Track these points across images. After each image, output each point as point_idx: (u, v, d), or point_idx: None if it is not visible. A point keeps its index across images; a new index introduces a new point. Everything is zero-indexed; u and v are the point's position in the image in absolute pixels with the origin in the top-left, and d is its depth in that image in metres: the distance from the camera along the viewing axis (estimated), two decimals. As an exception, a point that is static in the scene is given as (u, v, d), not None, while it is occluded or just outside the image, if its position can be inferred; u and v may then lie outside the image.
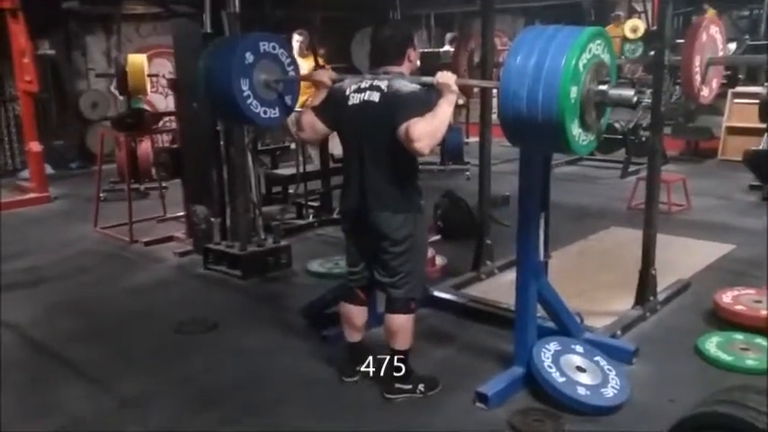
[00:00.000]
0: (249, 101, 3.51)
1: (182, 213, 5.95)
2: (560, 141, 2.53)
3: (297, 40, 7.41)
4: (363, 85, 2.98)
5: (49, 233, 6.30)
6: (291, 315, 4.06)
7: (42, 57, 8.81)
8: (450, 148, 8.41)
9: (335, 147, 8.47)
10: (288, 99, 3.67)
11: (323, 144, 6.42)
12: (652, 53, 4.53)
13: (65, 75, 9.59)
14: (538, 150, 3.02)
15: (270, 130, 7.71)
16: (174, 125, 7.12)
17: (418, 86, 2.89)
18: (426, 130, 2.76)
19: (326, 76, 3.20)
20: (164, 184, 6.68)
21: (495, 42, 4.99)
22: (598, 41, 2.59)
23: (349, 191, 3.10)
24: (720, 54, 3.93)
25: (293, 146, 7.26)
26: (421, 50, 9.86)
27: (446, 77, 2.84)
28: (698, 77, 3.73)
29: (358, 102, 2.97)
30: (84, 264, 5.37)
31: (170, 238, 5.76)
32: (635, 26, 11.04)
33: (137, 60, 6.86)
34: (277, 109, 3.65)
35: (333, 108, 3.08)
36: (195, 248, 5.34)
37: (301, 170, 6.24)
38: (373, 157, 2.96)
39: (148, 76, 7.22)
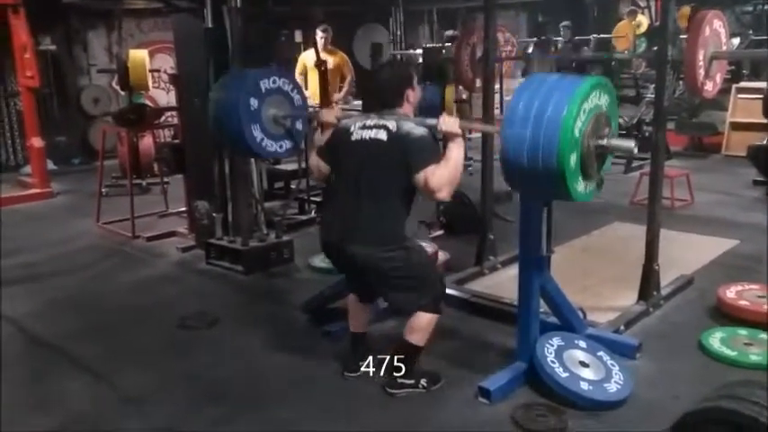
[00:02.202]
0: (257, 137, 3.59)
1: (184, 209, 5.95)
2: (561, 191, 2.57)
3: (320, 36, 7.39)
4: (369, 122, 3.02)
5: (51, 229, 6.30)
6: (293, 310, 4.05)
7: (44, 52, 8.82)
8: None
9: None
10: (296, 132, 3.76)
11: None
12: (655, 48, 4.51)
13: (66, 70, 9.57)
14: (538, 198, 3.03)
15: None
16: (175, 120, 7.09)
17: (425, 129, 2.92)
18: (445, 179, 2.85)
19: (332, 115, 3.26)
20: (165, 180, 6.68)
21: (497, 38, 4.97)
22: (600, 91, 2.63)
23: (334, 222, 3.10)
24: (724, 49, 3.90)
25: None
26: (423, 46, 9.88)
27: (449, 124, 2.90)
28: (701, 72, 3.71)
29: (363, 138, 3.00)
30: (86, 259, 5.37)
31: (172, 234, 5.76)
32: (638, 22, 11.02)
33: (138, 56, 6.86)
34: (284, 143, 3.75)
35: (333, 146, 3.14)
36: (197, 244, 5.33)
37: (303, 165, 6.22)
38: (371, 193, 2.97)
39: (150, 71, 7.22)
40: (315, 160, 3.24)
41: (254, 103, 3.54)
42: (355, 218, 2.97)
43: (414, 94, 3.12)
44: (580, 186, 2.61)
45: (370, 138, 2.98)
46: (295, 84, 3.84)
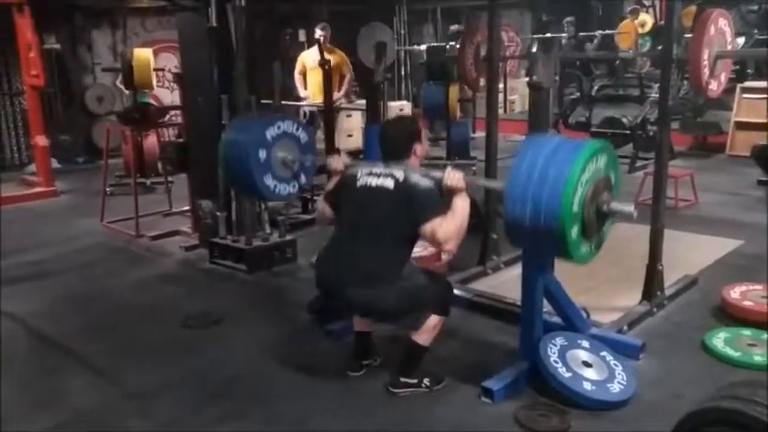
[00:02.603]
0: (269, 185, 3.67)
1: (187, 208, 5.96)
2: (560, 247, 2.63)
3: (319, 34, 7.39)
4: (376, 170, 3.08)
5: (55, 227, 6.32)
6: (296, 309, 4.06)
7: (48, 51, 8.82)
8: (456, 143, 8.38)
9: (342, 142, 8.50)
10: (303, 177, 3.83)
11: (329, 138, 6.42)
12: (660, 47, 4.50)
13: (71, 69, 9.59)
14: (539, 254, 3.10)
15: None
16: (179, 119, 7.11)
17: (431, 181, 2.98)
18: (452, 232, 2.90)
19: (340, 162, 3.31)
20: (170, 179, 6.69)
21: (501, 36, 4.96)
22: (602, 156, 2.68)
23: (333, 262, 3.12)
24: (729, 48, 3.90)
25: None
26: (427, 45, 9.88)
27: (454, 179, 2.95)
28: (706, 71, 3.70)
29: (369, 185, 3.05)
30: (90, 258, 5.38)
31: (176, 233, 5.77)
32: (643, 21, 10.99)
33: (142, 55, 6.87)
34: (291, 185, 3.81)
35: (338, 192, 3.21)
36: (201, 243, 5.34)
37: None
38: (373, 238, 3.00)
39: (154, 70, 7.22)
40: (321, 205, 3.32)
41: (262, 153, 3.63)
42: (355, 261, 3.00)
43: (421, 148, 3.19)
44: (582, 250, 2.70)
45: (376, 185, 3.03)
46: (299, 124, 3.89)
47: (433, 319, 3.08)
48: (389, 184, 3.01)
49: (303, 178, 3.83)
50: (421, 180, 2.99)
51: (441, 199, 2.96)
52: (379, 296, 2.97)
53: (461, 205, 2.94)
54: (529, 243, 2.88)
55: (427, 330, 3.09)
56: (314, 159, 3.89)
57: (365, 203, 3.05)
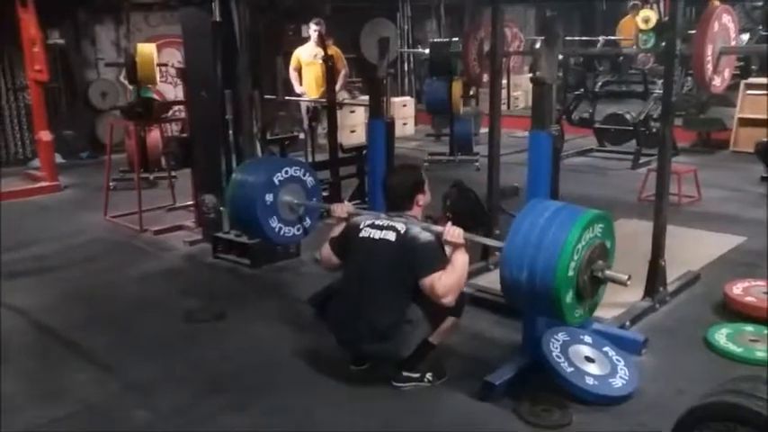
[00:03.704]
0: (275, 227, 3.75)
1: (191, 202, 5.98)
2: (555, 310, 2.67)
3: (314, 29, 7.39)
4: (378, 222, 3.14)
5: (59, 222, 6.34)
6: (299, 304, 4.07)
7: (52, 46, 8.83)
8: (459, 139, 8.38)
9: (345, 137, 8.50)
10: (306, 224, 3.91)
11: (332, 134, 6.42)
12: (664, 43, 4.49)
13: (74, 64, 9.59)
14: (535, 315, 3.15)
15: (278, 119, 7.73)
16: (183, 114, 7.11)
17: (432, 235, 3.03)
18: (451, 286, 2.94)
19: (344, 211, 3.40)
20: (173, 174, 6.70)
21: (504, 32, 4.95)
22: (600, 224, 2.74)
23: (345, 320, 3.18)
24: (733, 44, 3.88)
25: (302, 135, 7.26)
26: (431, 41, 9.86)
27: (454, 235, 2.99)
28: (710, 67, 3.69)
29: (372, 237, 3.11)
30: (93, 252, 5.40)
31: (179, 227, 5.79)
32: (646, 17, 10.94)
33: (146, 50, 6.86)
34: (294, 229, 3.87)
35: (344, 242, 3.27)
36: (204, 237, 5.36)
37: (310, 160, 6.24)
38: (376, 290, 3.06)
39: (158, 65, 7.20)
40: (327, 251, 3.37)
41: (269, 197, 3.70)
42: (364, 319, 3.06)
43: (423, 198, 3.25)
44: (577, 313, 2.73)
45: (378, 237, 3.09)
46: (305, 168, 3.95)
47: (449, 321, 3.13)
48: (391, 237, 3.06)
49: (308, 221, 3.90)
50: (421, 233, 3.04)
51: (441, 252, 3.02)
52: (392, 348, 3.05)
53: (461, 260, 2.99)
54: (525, 305, 2.97)
55: (441, 332, 3.15)
56: (319, 204, 3.97)
57: (368, 256, 3.11)
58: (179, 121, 7.75)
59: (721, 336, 3.48)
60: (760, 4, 10.45)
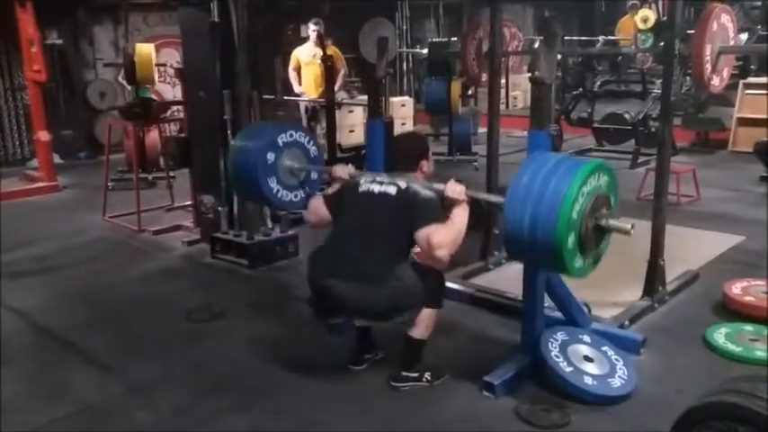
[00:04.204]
0: (270, 182, 3.70)
1: (189, 203, 5.97)
2: (557, 262, 2.64)
3: (313, 29, 7.38)
4: (380, 179, 3.13)
5: (57, 222, 6.32)
6: (298, 304, 4.05)
7: (50, 46, 8.83)
8: (457, 139, 8.38)
9: (343, 137, 8.50)
10: (307, 189, 3.86)
11: (331, 133, 6.42)
12: (662, 43, 4.48)
13: (73, 64, 9.59)
14: (536, 267, 3.11)
15: (277, 119, 7.71)
16: (181, 114, 7.11)
17: (433, 193, 3.00)
18: (447, 239, 2.88)
19: (346, 171, 3.36)
20: (171, 174, 6.70)
21: (503, 32, 4.95)
22: (602, 174, 2.71)
23: (325, 260, 3.10)
24: (732, 44, 3.89)
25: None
26: (430, 41, 9.86)
27: (456, 191, 2.97)
28: (708, 67, 3.69)
29: (369, 190, 3.10)
30: (92, 252, 5.39)
31: (178, 228, 5.78)
32: (645, 16, 10.94)
33: (144, 50, 6.86)
34: (295, 194, 3.83)
35: (340, 197, 3.24)
36: (203, 237, 5.35)
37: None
38: (370, 241, 3.02)
39: (156, 65, 7.21)
40: (317, 202, 3.33)
41: (270, 156, 3.67)
42: (349, 261, 3.00)
43: (427, 165, 3.24)
44: (578, 263, 2.69)
45: (378, 191, 3.08)
46: (308, 134, 3.93)
47: (426, 312, 3.08)
48: (391, 190, 3.05)
49: (305, 191, 3.87)
50: (422, 190, 3.03)
51: (440, 208, 2.99)
52: (369, 296, 2.94)
53: (460, 217, 2.96)
54: (526, 256, 2.91)
55: (421, 323, 3.08)
56: (321, 171, 3.93)
57: (366, 208, 3.09)
58: (177, 122, 7.75)
59: (720, 335, 3.48)
60: (758, 3, 10.46)
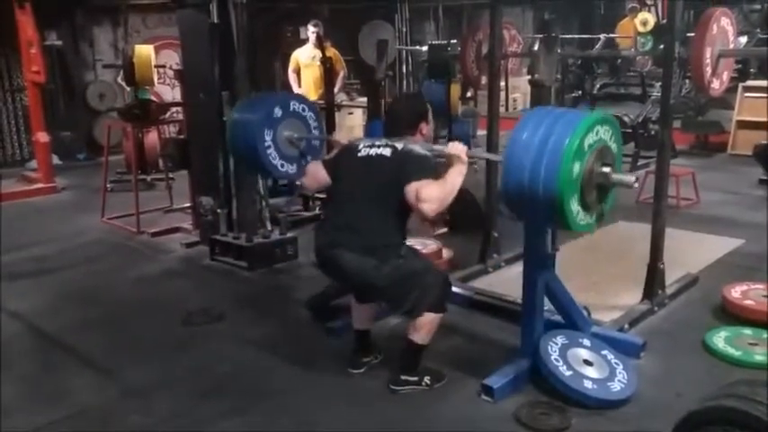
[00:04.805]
0: (269, 152, 3.69)
1: (188, 204, 5.95)
2: (559, 217, 2.58)
3: (312, 31, 7.38)
4: (378, 142, 3.10)
5: (55, 224, 6.32)
6: (297, 307, 4.06)
7: (49, 47, 8.82)
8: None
9: (343, 139, 8.48)
10: (308, 158, 3.85)
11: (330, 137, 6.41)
12: (662, 46, 4.49)
13: (72, 66, 9.59)
14: (538, 225, 3.04)
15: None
16: (180, 116, 7.10)
17: (429, 153, 2.98)
18: (436, 194, 2.84)
19: (346, 139, 3.33)
20: (170, 175, 6.69)
21: (503, 34, 4.95)
22: (605, 127, 2.67)
23: (328, 229, 3.13)
24: (731, 47, 3.89)
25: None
26: (429, 43, 9.85)
27: (457, 149, 2.95)
28: (708, 70, 3.69)
29: (369, 154, 3.07)
30: (90, 254, 5.38)
31: (176, 229, 5.77)
32: (645, 19, 10.96)
33: (144, 51, 6.85)
34: (295, 165, 3.84)
35: (339, 160, 3.22)
36: (201, 239, 5.34)
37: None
38: (368, 204, 3.00)
39: (155, 66, 7.20)
40: (315, 167, 3.31)
41: (270, 126, 3.67)
42: (352, 228, 2.99)
43: (427, 128, 3.21)
44: (581, 219, 2.65)
45: (375, 154, 3.05)
46: (310, 107, 3.90)
47: (428, 316, 3.04)
48: (387, 152, 3.02)
49: (306, 162, 3.82)
50: (418, 149, 2.99)
51: (435, 169, 2.93)
52: (375, 268, 2.93)
53: (454, 175, 2.92)
54: (527, 213, 2.82)
55: (423, 327, 3.05)
56: (322, 139, 3.90)
57: (363, 171, 3.05)
58: (177, 123, 7.74)
59: (720, 339, 3.47)
60: (758, 7, 10.48)
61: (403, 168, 2.92)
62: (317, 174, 3.28)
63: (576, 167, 2.52)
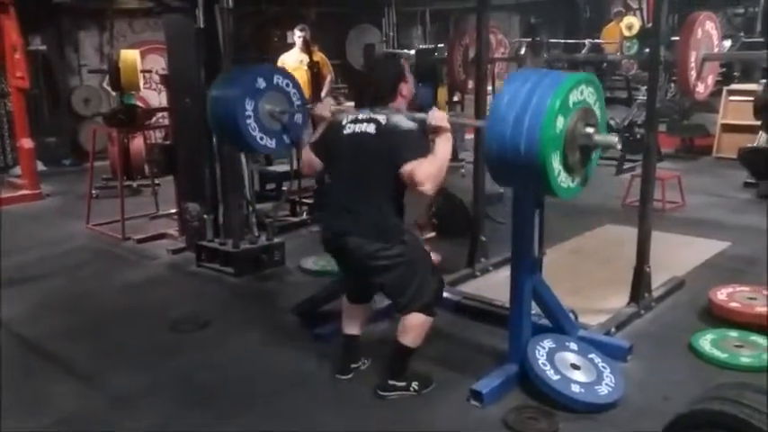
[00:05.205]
0: (251, 127, 3.63)
1: (174, 210, 5.92)
2: (542, 181, 2.55)
3: (298, 35, 7.37)
4: (360, 116, 3.03)
5: (40, 230, 6.26)
6: (284, 313, 4.03)
7: (34, 52, 8.76)
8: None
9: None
10: (291, 133, 3.84)
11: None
12: (647, 50, 4.52)
13: (57, 70, 9.53)
14: (521, 190, 3.01)
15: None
16: (166, 121, 7.07)
17: (414, 124, 2.92)
18: (430, 172, 2.82)
19: (327, 109, 3.27)
20: (156, 181, 6.64)
21: (489, 39, 4.96)
22: (589, 88, 2.64)
23: (331, 214, 3.14)
24: (716, 51, 3.92)
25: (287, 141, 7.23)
26: (416, 47, 9.88)
27: (438, 118, 2.90)
28: (693, 74, 3.72)
29: (353, 132, 3.01)
30: (75, 261, 5.33)
31: (162, 236, 5.73)
32: (630, 23, 11.04)
33: (129, 56, 6.83)
34: (278, 140, 3.81)
35: (326, 141, 3.16)
36: (188, 246, 5.30)
37: (295, 167, 6.20)
38: (363, 186, 2.99)
39: (141, 71, 7.18)
40: (307, 155, 3.26)
41: (250, 99, 3.61)
42: (350, 212, 2.99)
43: (407, 88, 3.13)
44: (563, 182, 2.60)
45: (360, 131, 2.99)
46: (292, 80, 3.85)
47: (418, 319, 3.02)
48: (371, 129, 2.96)
49: (288, 137, 3.81)
50: (402, 121, 2.93)
51: (423, 140, 2.90)
52: (381, 250, 2.94)
53: (443, 147, 2.89)
54: (512, 180, 2.79)
55: (412, 331, 3.04)
56: (305, 117, 3.86)
57: (352, 152, 3.01)
58: (162, 128, 7.71)
59: (706, 342, 3.48)
60: (741, 11, 10.58)
61: (392, 150, 2.88)
62: (311, 162, 3.24)
63: (560, 123, 2.48)
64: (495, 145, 2.58)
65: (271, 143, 3.80)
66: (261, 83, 3.67)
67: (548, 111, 2.47)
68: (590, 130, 2.65)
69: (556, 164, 2.54)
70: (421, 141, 2.90)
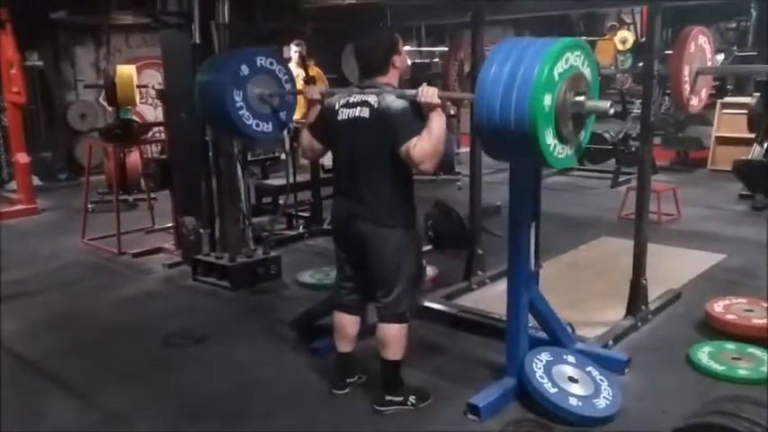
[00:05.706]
0: (241, 112, 3.55)
1: (170, 224, 5.91)
2: (534, 152, 2.49)
3: (294, 50, 7.40)
4: (352, 99, 2.99)
5: (36, 245, 6.24)
6: (281, 327, 4.02)
7: (30, 68, 8.77)
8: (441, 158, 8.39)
9: (326, 158, 8.48)
10: (282, 115, 3.74)
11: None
12: (641, 64, 4.55)
13: (53, 86, 9.53)
14: (514, 162, 2.97)
15: (260, 140, 7.70)
16: (162, 136, 7.08)
17: (405, 102, 2.89)
18: (427, 150, 2.82)
19: (317, 91, 3.22)
20: (152, 195, 6.64)
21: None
22: (576, 52, 2.57)
23: (338, 201, 3.15)
24: (709, 65, 3.94)
25: (283, 156, 7.24)
26: (411, 62, 9.91)
27: (428, 94, 2.85)
28: (687, 87, 3.74)
29: (348, 117, 2.99)
30: (71, 276, 5.31)
31: (159, 250, 5.72)
32: (624, 38, 11.12)
33: (126, 71, 6.83)
34: (270, 123, 3.73)
35: (325, 126, 3.13)
36: (184, 260, 5.29)
37: (291, 180, 6.21)
38: (365, 171, 2.98)
39: (137, 86, 7.19)
40: (306, 139, 3.23)
41: (240, 83, 3.56)
42: (357, 197, 2.99)
43: (400, 60, 3.09)
44: (557, 152, 2.56)
45: (354, 116, 2.97)
46: (281, 63, 3.83)
47: (392, 329, 3.02)
48: (365, 113, 2.92)
49: (279, 121, 3.76)
50: (394, 101, 2.89)
51: (416, 118, 2.87)
52: (377, 232, 2.95)
53: (437, 123, 2.85)
54: (501, 150, 2.72)
55: (391, 342, 3.03)
56: (294, 93, 3.82)
57: (351, 140, 2.99)
58: (159, 143, 7.71)
59: (703, 354, 3.48)
60: (734, 25, 10.66)
61: (387, 132, 2.87)
62: (311, 146, 3.22)
63: (548, 100, 2.43)
64: (485, 119, 2.51)
65: (267, 127, 3.73)
66: (246, 69, 3.60)
67: (534, 87, 2.39)
68: (580, 98, 2.58)
69: (549, 137, 2.48)
70: (414, 119, 2.86)
